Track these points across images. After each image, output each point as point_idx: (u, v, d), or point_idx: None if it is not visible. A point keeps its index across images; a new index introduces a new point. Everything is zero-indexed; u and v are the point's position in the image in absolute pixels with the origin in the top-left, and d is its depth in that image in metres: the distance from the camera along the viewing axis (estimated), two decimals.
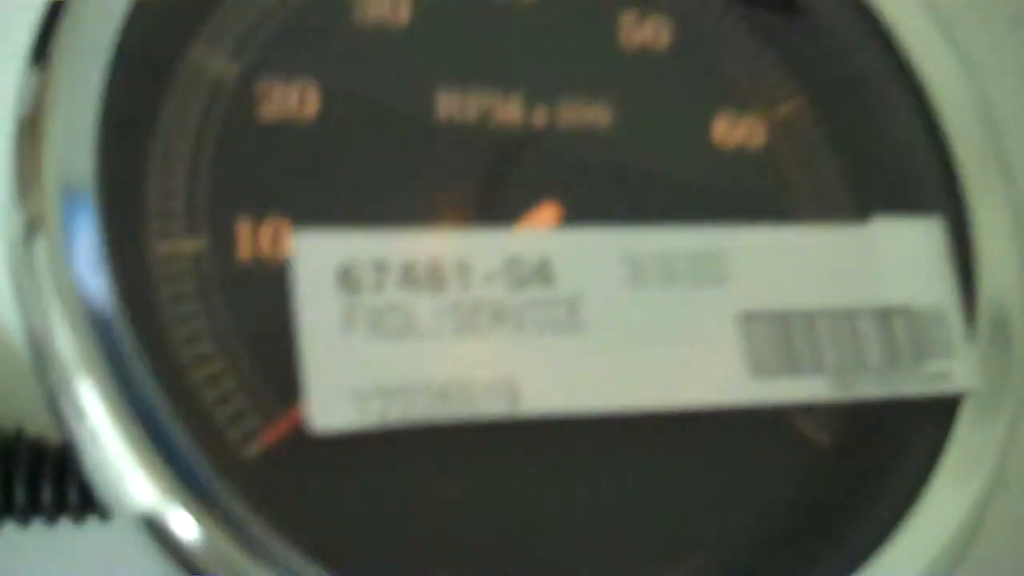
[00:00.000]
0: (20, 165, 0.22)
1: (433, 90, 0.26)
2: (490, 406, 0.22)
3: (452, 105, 0.26)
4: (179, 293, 0.23)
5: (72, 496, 0.25)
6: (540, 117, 0.26)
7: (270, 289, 0.23)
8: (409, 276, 0.22)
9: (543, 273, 0.23)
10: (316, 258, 0.22)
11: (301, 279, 0.22)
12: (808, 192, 0.28)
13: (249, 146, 0.24)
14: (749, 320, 0.24)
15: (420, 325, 0.22)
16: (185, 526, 0.21)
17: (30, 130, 0.22)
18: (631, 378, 0.23)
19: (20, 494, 0.25)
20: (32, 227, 0.21)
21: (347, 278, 0.22)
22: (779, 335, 0.24)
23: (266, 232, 0.24)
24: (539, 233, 0.24)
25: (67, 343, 0.21)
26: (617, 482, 0.24)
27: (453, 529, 0.22)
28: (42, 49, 0.22)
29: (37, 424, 0.27)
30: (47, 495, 0.25)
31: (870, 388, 0.25)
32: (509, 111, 0.26)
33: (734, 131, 0.28)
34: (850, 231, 0.26)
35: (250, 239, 0.23)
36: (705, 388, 0.23)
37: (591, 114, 0.27)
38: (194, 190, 0.23)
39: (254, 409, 0.22)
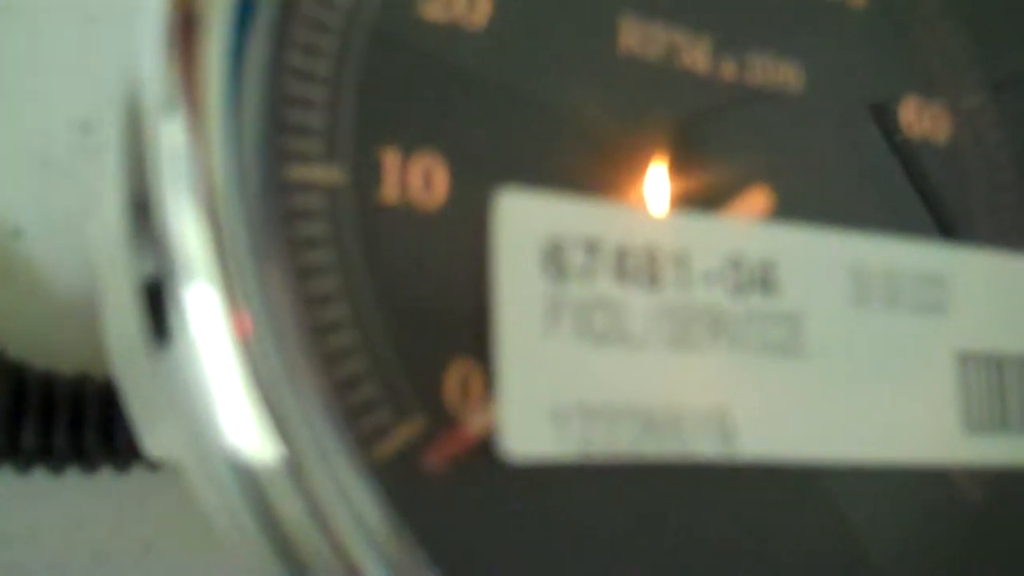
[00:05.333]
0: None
1: (615, 15, 0.20)
2: (702, 444, 0.17)
3: (635, 37, 0.20)
4: (310, 237, 0.17)
5: (120, 441, 0.21)
6: (729, 69, 0.21)
7: (420, 244, 0.18)
8: (622, 264, 0.17)
9: (766, 279, 0.18)
10: (520, 227, 0.16)
11: (503, 254, 0.16)
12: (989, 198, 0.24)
13: (406, 49, 0.18)
14: (965, 362, 0.20)
15: (631, 330, 0.17)
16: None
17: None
18: (848, 423, 0.19)
19: (60, 437, 0.21)
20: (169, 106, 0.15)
21: (555, 258, 0.17)
22: (992, 383, 0.20)
23: (416, 168, 0.18)
24: (762, 228, 0.19)
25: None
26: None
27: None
28: None
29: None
30: (90, 439, 0.21)
31: None
32: (696, 56, 0.21)
33: (921, 119, 0.23)
34: None
35: (398, 175, 0.18)
36: (919, 443, 0.19)
37: (780, 74, 0.22)
38: (338, 99, 0.17)
39: (388, 400, 0.17)
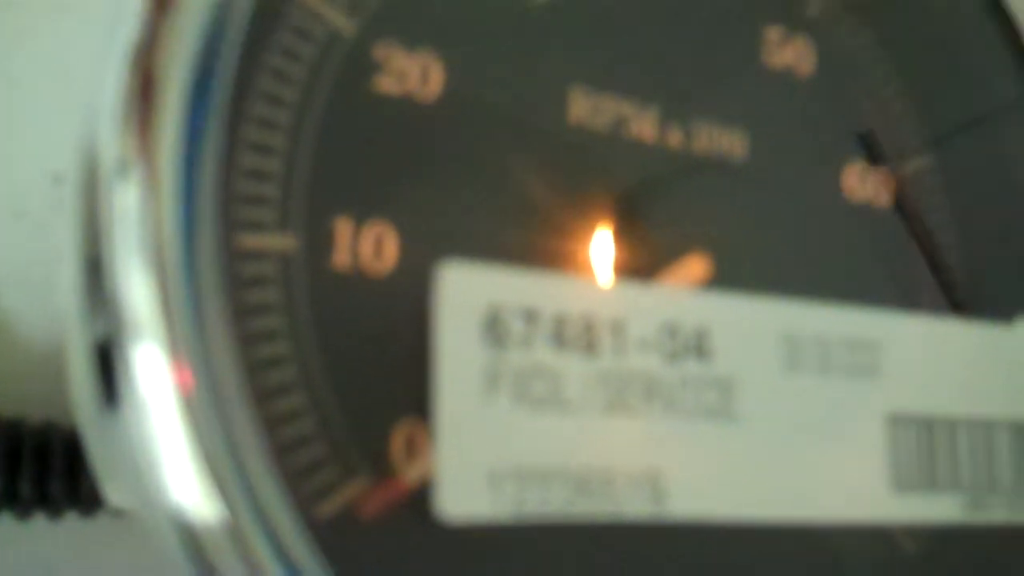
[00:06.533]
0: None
1: (566, 87, 0.21)
2: (633, 505, 0.18)
3: (585, 108, 0.21)
4: (260, 303, 0.18)
5: (85, 488, 0.22)
6: (675, 138, 0.22)
7: (369, 309, 0.18)
8: (560, 332, 0.18)
9: (700, 345, 0.19)
10: (462, 298, 0.17)
11: (444, 323, 0.17)
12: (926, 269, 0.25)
13: (361, 121, 0.19)
14: (895, 424, 0.21)
15: (567, 396, 0.18)
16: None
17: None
18: (778, 484, 0.20)
19: (25, 484, 0.22)
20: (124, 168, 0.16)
21: (494, 327, 0.18)
22: (922, 444, 0.21)
23: (368, 236, 0.19)
24: (697, 297, 0.20)
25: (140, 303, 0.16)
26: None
27: None
28: None
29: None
30: (56, 486, 0.22)
31: (1000, 512, 0.22)
32: (644, 126, 0.22)
33: (864, 184, 0.24)
34: (997, 331, 0.23)
35: (350, 242, 0.19)
36: (848, 503, 0.20)
37: (725, 142, 0.23)
38: (292, 170, 0.18)
39: (334, 459, 0.18)
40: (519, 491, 0.17)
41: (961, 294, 0.25)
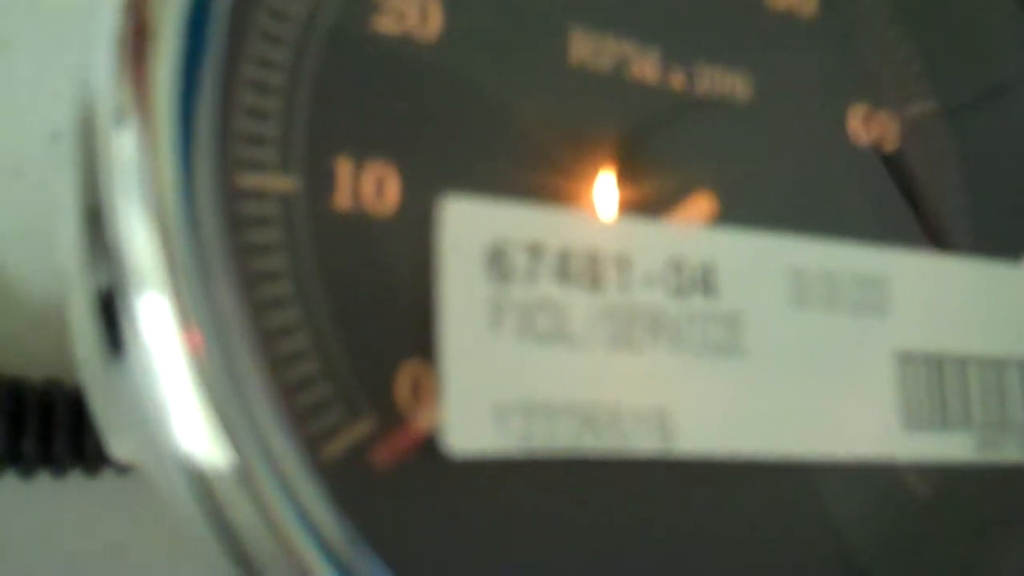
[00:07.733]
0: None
1: (566, 28, 0.21)
2: (641, 441, 0.18)
3: (585, 49, 0.21)
4: (262, 243, 0.17)
5: (89, 446, 0.22)
6: (677, 80, 0.22)
7: (372, 250, 0.18)
8: (565, 267, 0.18)
9: (706, 281, 0.19)
10: (465, 232, 0.17)
11: (448, 257, 0.17)
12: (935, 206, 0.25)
13: (360, 60, 0.19)
14: (905, 361, 0.21)
15: (572, 330, 0.18)
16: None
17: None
18: (786, 420, 0.19)
19: (29, 443, 0.21)
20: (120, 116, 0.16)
21: (498, 262, 0.17)
22: (932, 382, 0.21)
23: (369, 176, 0.19)
24: (703, 232, 0.19)
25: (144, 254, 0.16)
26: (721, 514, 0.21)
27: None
28: None
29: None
30: (60, 445, 0.22)
31: (1012, 451, 0.22)
32: (646, 67, 0.22)
33: (869, 127, 0.24)
34: (1005, 269, 0.23)
35: (351, 183, 0.18)
36: (859, 439, 0.20)
37: (728, 84, 0.22)
38: (292, 109, 0.18)
39: (339, 400, 0.18)
40: (526, 425, 0.17)
41: (958, 237, 0.25)
